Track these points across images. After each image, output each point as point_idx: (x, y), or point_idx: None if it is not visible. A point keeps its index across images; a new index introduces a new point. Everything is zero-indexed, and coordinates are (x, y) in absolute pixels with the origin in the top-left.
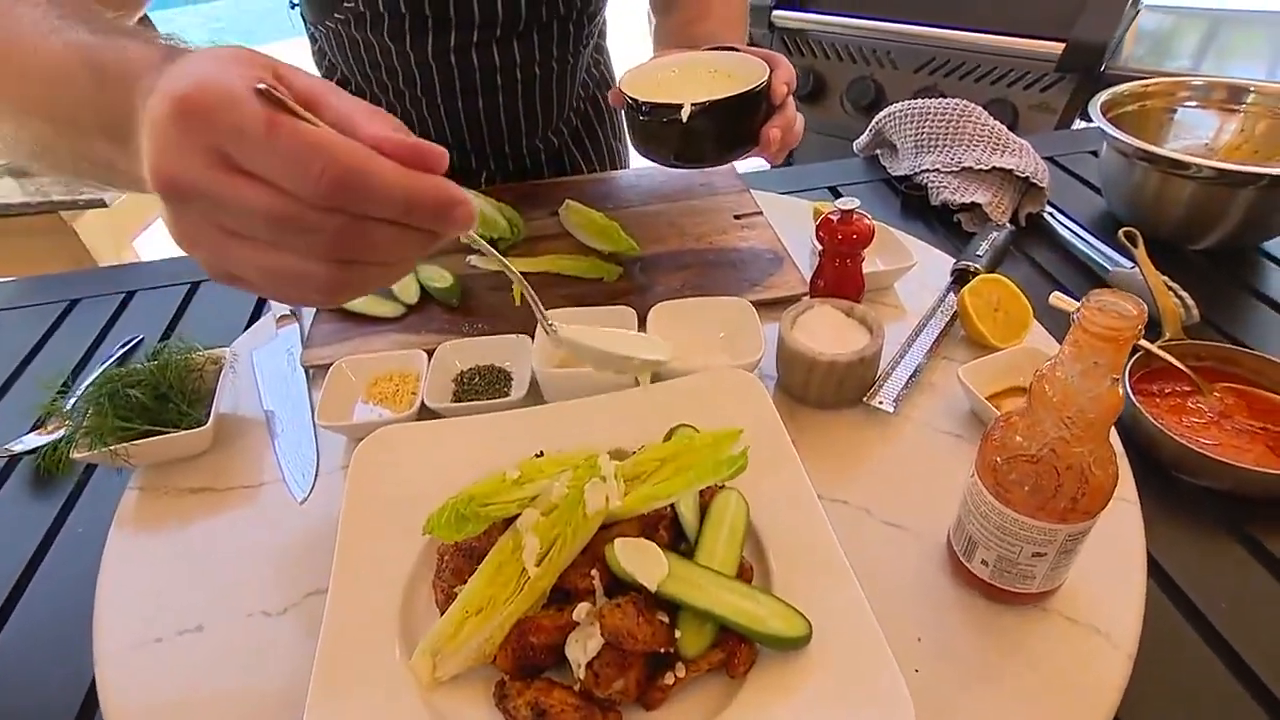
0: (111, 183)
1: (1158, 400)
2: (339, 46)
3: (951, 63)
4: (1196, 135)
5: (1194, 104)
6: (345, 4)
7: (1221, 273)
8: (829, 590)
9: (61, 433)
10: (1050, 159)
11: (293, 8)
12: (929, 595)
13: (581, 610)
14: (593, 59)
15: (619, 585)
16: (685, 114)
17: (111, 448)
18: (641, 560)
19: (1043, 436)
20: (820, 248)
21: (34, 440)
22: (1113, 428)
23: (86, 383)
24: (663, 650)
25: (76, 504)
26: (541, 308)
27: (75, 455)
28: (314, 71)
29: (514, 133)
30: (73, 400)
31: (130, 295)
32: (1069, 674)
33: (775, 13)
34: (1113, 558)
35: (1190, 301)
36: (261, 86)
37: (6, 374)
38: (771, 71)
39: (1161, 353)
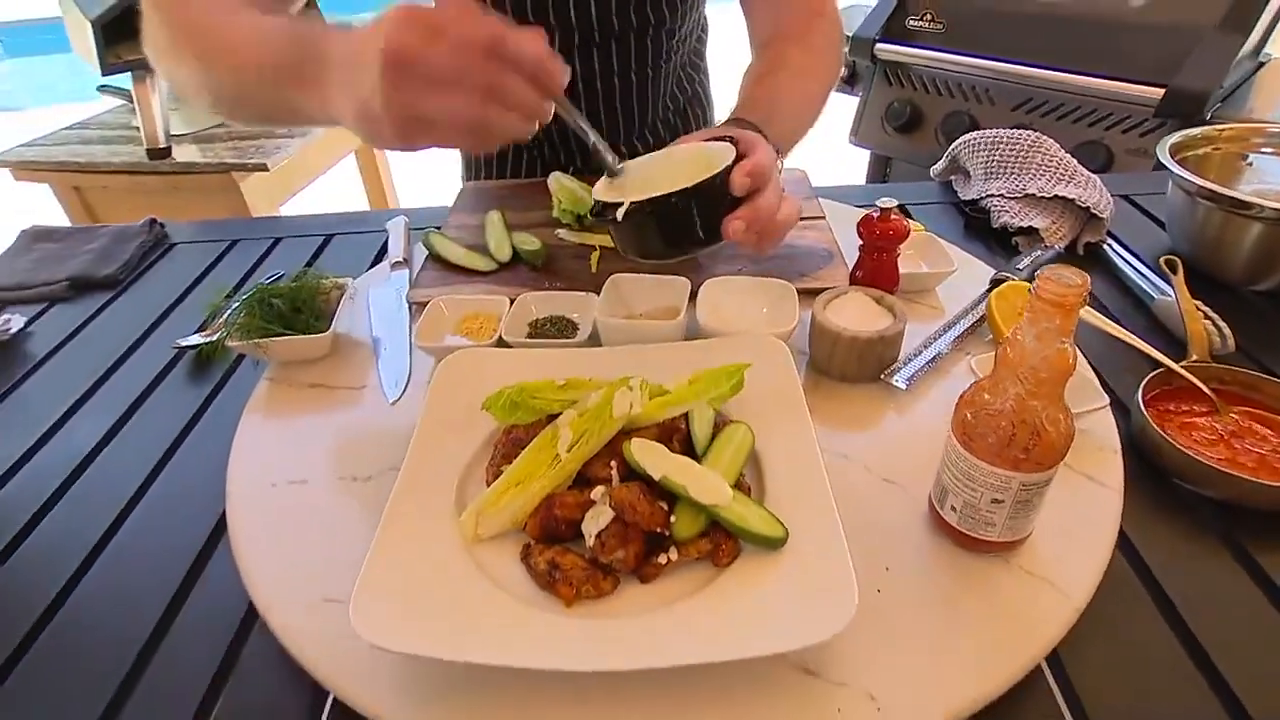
0: (294, 119)
1: (1171, 416)
2: None
3: (1050, 103)
4: (1270, 181)
5: (1270, 150)
6: None
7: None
8: (811, 512)
9: (218, 335)
10: (1125, 196)
11: None
12: (905, 537)
13: (598, 491)
14: (685, 74)
15: (633, 478)
16: (620, 213)
17: (256, 341)
18: (652, 456)
19: (1004, 394)
20: (861, 242)
21: (197, 339)
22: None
23: (241, 297)
24: (659, 530)
25: (222, 389)
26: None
27: (229, 344)
28: None
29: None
30: (230, 310)
31: (277, 241)
32: (1015, 610)
33: (879, 45)
34: (1083, 532)
35: (1227, 331)
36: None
37: (181, 290)
38: (735, 161)
39: (1183, 371)
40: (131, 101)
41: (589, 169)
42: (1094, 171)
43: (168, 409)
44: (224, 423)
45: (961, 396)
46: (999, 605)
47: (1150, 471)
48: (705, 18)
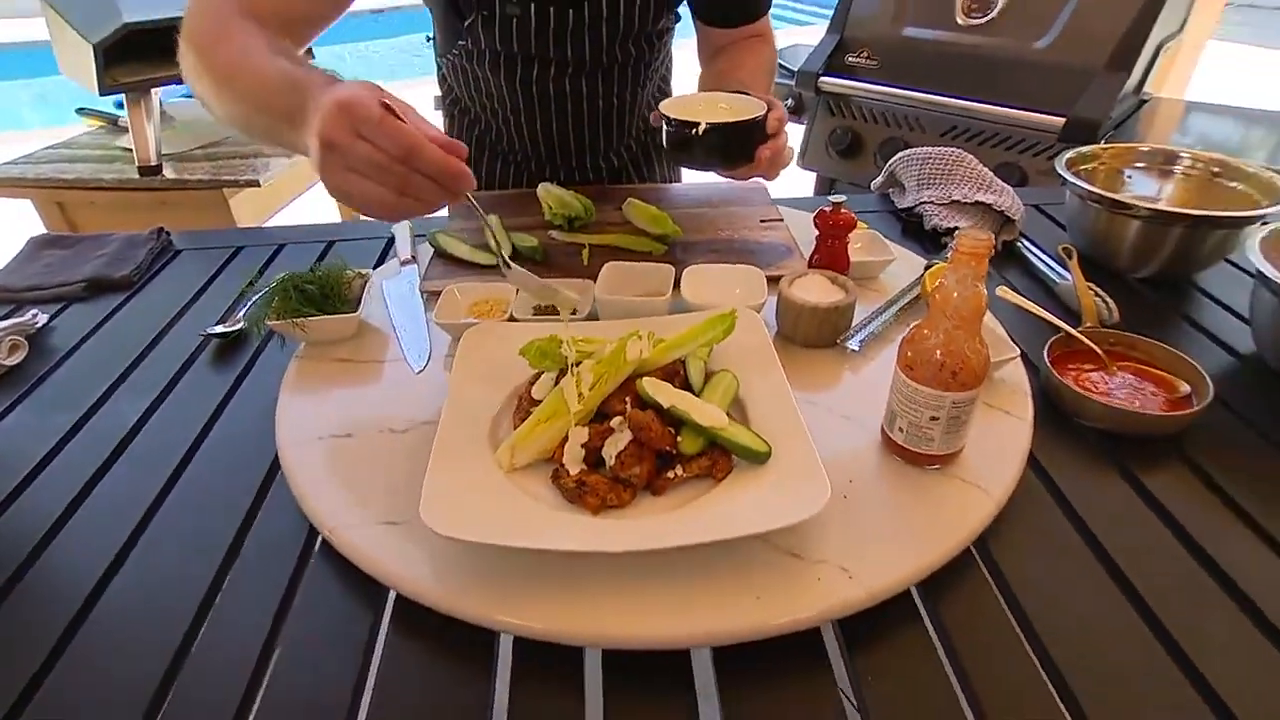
0: (280, 145)
1: (1070, 370)
2: (455, 75)
3: (971, 130)
4: (1143, 190)
5: (1142, 165)
6: (459, 42)
7: (1159, 296)
8: (787, 435)
9: (239, 326)
10: (1034, 205)
11: (428, 40)
12: (864, 459)
13: (617, 420)
14: (654, 99)
15: (644, 410)
16: (700, 130)
17: (293, 320)
18: (661, 390)
19: (937, 330)
20: (817, 232)
21: (220, 329)
22: (983, 325)
23: (269, 283)
24: (668, 449)
25: (250, 371)
26: (504, 255)
27: (269, 323)
28: (438, 92)
29: (580, 151)
30: (256, 297)
31: (281, 247)
32: (951, 506)
33: (822, 79)
34: (1002, 451)
35: (1112, 305)
36: (385, 101)
37: (195, 289)
38: (769, 110)
39: (1078, 334)
40: (114, 124)
41: (573, 181)
42: (1016, 188)
43: (200, 389)
44: (256, 397)
45: (903, 338)
46: (938, 503)
47: (1055, 413)
48: (671, 55)
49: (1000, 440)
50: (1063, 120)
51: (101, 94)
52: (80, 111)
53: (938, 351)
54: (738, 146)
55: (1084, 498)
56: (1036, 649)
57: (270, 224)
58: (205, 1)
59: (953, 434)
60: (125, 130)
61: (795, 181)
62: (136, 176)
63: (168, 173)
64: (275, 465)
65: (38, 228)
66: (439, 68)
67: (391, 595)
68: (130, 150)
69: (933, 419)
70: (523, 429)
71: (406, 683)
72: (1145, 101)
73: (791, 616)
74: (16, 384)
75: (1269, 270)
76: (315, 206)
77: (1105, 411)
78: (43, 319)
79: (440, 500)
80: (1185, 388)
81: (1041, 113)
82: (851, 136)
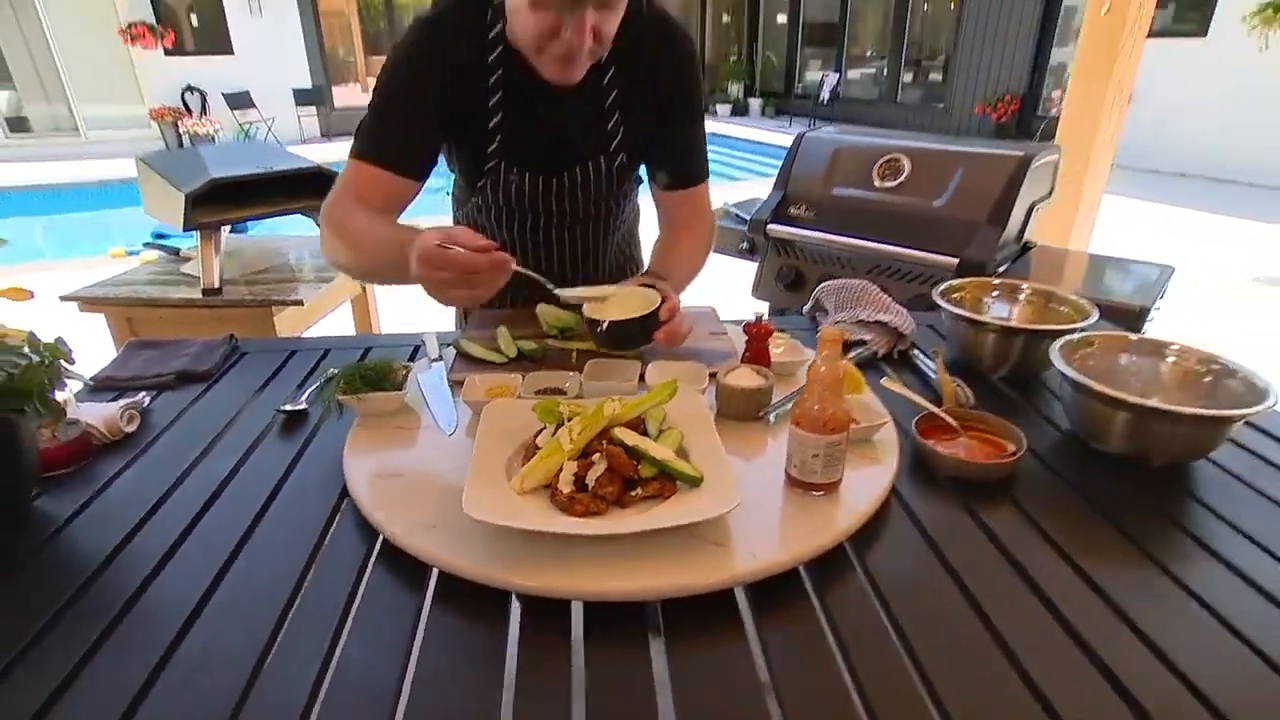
0: (394, 281)
1: (933, 438)
2: (470, 222)
3: (890, 267)
4: (998, 313)
5: (996, 294)
6: (474, 199)
7: (1015, 391)
8: (716, 470)
9: (302, 406)
10: (930, 325)
11: (448, 195)
12: (772, 491)
13: (596, 456)
14: (624, 239)
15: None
16: (604, 326)
17: (356, 395)
18: (628, 435)
19: (814, 395)
20: (745, 337)
21: (288, 408)
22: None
23: (327, 373)
24: (632, 475)
25: (313, 440)
26: (543, 279)
27: (339, 397)
28: None
29: (564, 281)
30: (314, 386)
31: (327, 351)
32: (829, 517)
33: (769, 226)
34: (870, 487)
35: (968, 391)
36: (436, 243)
37: (262, 381)
38: (662, 303)
39: (939, 411)
40: (175, 254)
41: (558, 303)
42: (921, 312)
43: (274, 452)
44: (318, 458)
45: (795, 403)
46: (822, 515)
47: (919, 467)
48: (638, 205)
49: (870, 480)
50: (957, 260)
51: (185, 230)
52: (148, 244)
53: (815, 407)
54: (635, 334)
55: (934, 523)
56: (889, 617)
57: (306, 335)
58: (336, 201)
59: (830, 468)
60: (186, 259)
61: (750, 308)
62: (199, 296)
63: (227, 294)
64: (337, 505)
65: (104, 338)
66: (455, 220)
67: (433, 577)
68: (190, 276)
69: (814, 456)
70: (531, 463)
71: (445, 636)
72: (1030, 247)
73: (704, 580)
74: (131, 448)
75: (1062, 366)
76: (340, 323)
77: (951, 463)
78: (146, 400)
79: (476, 502)
80: (1012, 447)
81: (942, 254)
82: (795, 273)
